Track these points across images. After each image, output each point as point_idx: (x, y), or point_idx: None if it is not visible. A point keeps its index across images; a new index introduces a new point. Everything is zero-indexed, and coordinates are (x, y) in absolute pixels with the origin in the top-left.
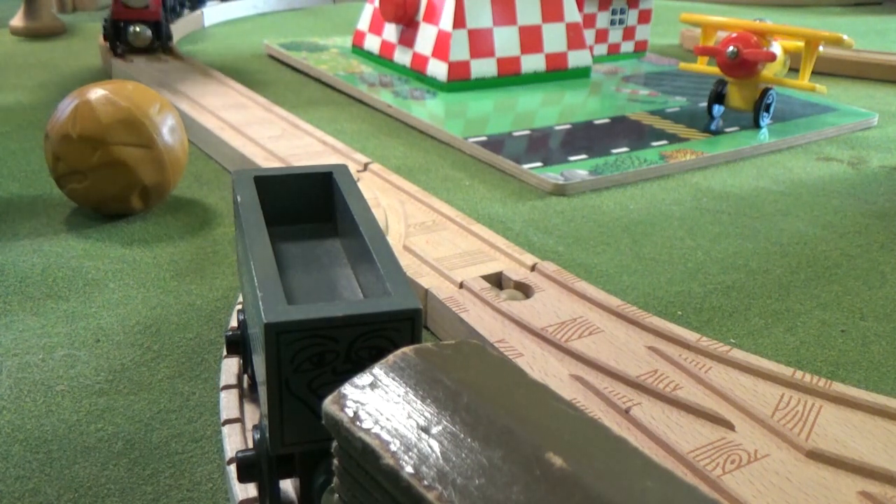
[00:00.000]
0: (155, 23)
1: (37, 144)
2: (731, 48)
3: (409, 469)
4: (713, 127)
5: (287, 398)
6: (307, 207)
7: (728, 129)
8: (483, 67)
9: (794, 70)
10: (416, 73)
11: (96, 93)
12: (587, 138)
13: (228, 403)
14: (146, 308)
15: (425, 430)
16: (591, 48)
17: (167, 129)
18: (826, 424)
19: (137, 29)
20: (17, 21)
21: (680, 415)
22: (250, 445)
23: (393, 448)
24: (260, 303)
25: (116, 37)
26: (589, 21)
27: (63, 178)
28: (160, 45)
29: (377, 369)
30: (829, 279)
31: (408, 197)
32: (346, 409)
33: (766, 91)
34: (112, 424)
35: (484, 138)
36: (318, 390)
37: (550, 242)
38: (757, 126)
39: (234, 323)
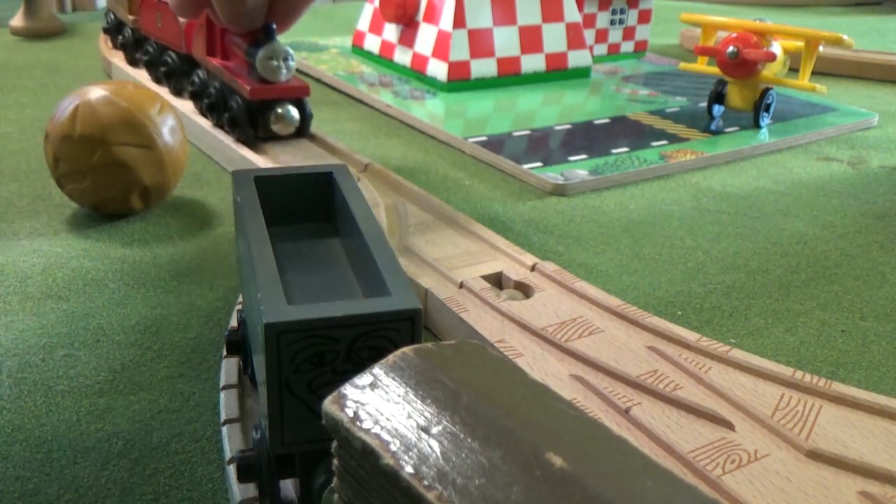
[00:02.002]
0: (299, 100)
1: (37, 144)
2: (731, 48)
3: (409, 469)
4: (713, 127)
5: (287, 398)
6: (307, 207)
7: (728, 129)
8: (483, 67)
9: (794, 70)
10: (416, 73)
11: (96, 93)
12: (587, 138)
13: (228, 403)
14: (146, 308)
15: (425, 430)
16: (591, 48)
17: (167, 129)
18: (826, 424)
19: (280, 111)
20: (17, 21)
21: (680, 415)
22: (250, 445)
23: (393, 448)
24: (260, 303)
25: (252, 123)
26: (589, 21)
27: (63, 178)
28: (303, 128)
29: (377, 369)
30: (829, 279)
31: (408, 197)
32: (346, 409)
33: (766, 91)
34: (112, 424)
35: (484, 138)
36: (318, 390)
37: (550, 242)
38: (757, 126)
39: (234, 323)
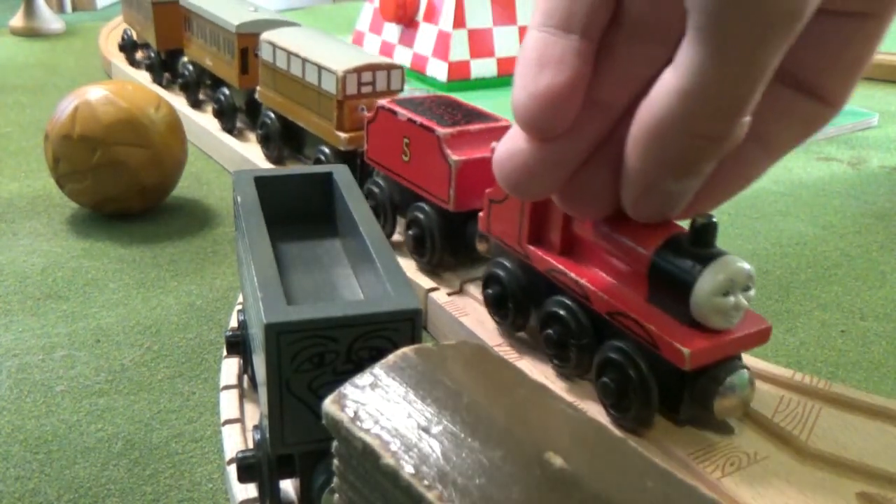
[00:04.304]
0: None
1: (37, 144)
2: None
3: (409, 469)
4: None
5: (287, 398)
6: (307, 208)
7: None
8: (483, 67)
9: None
10: (416, 73)
11: (96, 93)
12: None
13: (228, 403)
14: (146, 308)
15: (425, 429)
16: None
17: (167, 129)
18: (826, 426)
19: (730, 379)
20: (17, 21)
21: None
22: (250, 445)
23: (393, 448)
24: (260, 303)
25: (679, 399)
26: None
27: (63, 178)
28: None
29: (377, 369)
30: (829, 279)
31: None
32: (346, 409)
33: None
34: (112, 424)
35: None
36: (318, 390)
37: None
38: None
39: (234, 323)
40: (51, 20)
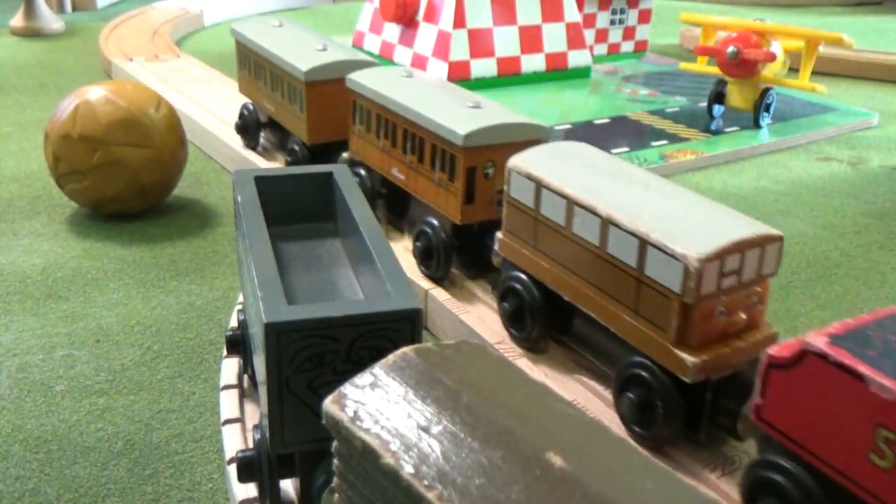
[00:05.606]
0: None
1: (37, 144)
2: (731, 48)
3: (409, 469)
4: (713, 127)
5: (287, 398)
6: (307, 207)
7: (728, 129)
8: (483, 67)
9: (794, 70)
10: None
11: (96, 93)
12: (587, 138)
13: (228, 403)
14: (146, 308)
15: (425, 429)
16: (591, 48)
17: (167, 129)
18: None
19: None
20: (17, 21)
21: None
22: (250, 445)
23: (393, 448)
24: (260, 303)
25: None
26: (589, 21)
27: (63, 178)
28: None
29: (377, 369)
30: (829, 279)
31: None
32: (347, 409)
33: (766, 91)
34: (112, 424)
35: None
36: (318, 390)
37: None
38: (757, 126)
39: (234, 323)
40: (51, 20)
